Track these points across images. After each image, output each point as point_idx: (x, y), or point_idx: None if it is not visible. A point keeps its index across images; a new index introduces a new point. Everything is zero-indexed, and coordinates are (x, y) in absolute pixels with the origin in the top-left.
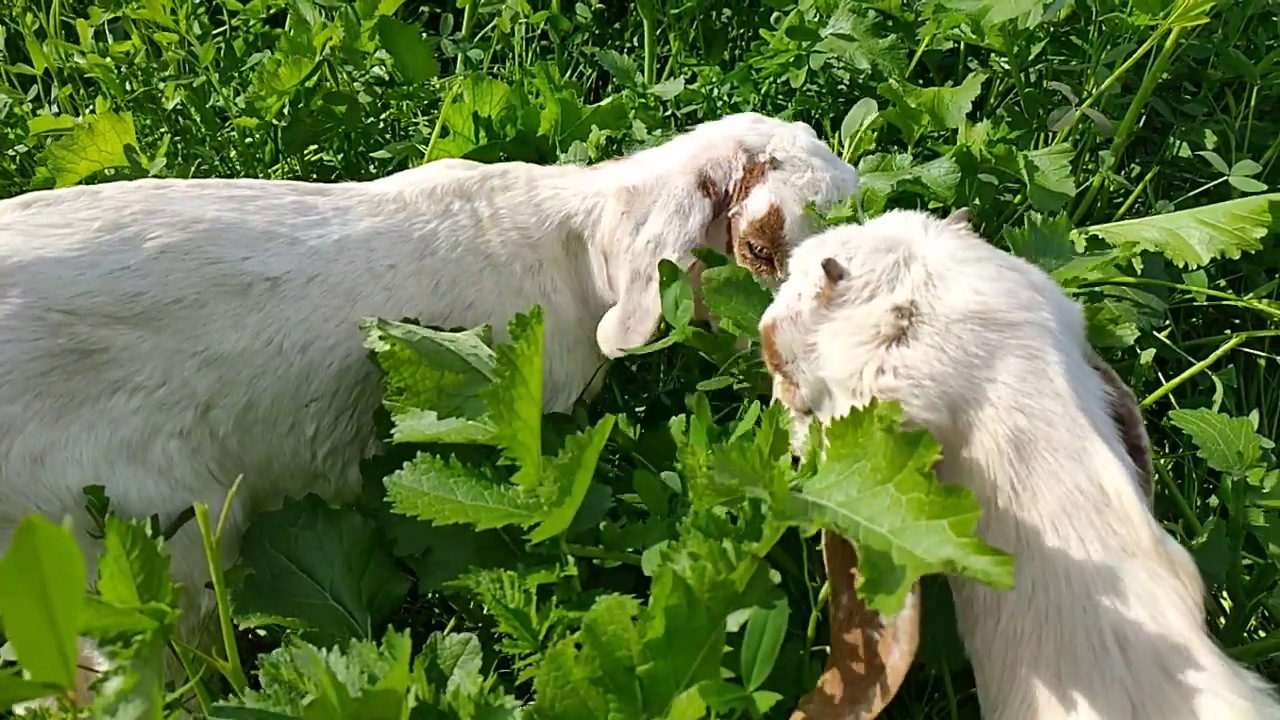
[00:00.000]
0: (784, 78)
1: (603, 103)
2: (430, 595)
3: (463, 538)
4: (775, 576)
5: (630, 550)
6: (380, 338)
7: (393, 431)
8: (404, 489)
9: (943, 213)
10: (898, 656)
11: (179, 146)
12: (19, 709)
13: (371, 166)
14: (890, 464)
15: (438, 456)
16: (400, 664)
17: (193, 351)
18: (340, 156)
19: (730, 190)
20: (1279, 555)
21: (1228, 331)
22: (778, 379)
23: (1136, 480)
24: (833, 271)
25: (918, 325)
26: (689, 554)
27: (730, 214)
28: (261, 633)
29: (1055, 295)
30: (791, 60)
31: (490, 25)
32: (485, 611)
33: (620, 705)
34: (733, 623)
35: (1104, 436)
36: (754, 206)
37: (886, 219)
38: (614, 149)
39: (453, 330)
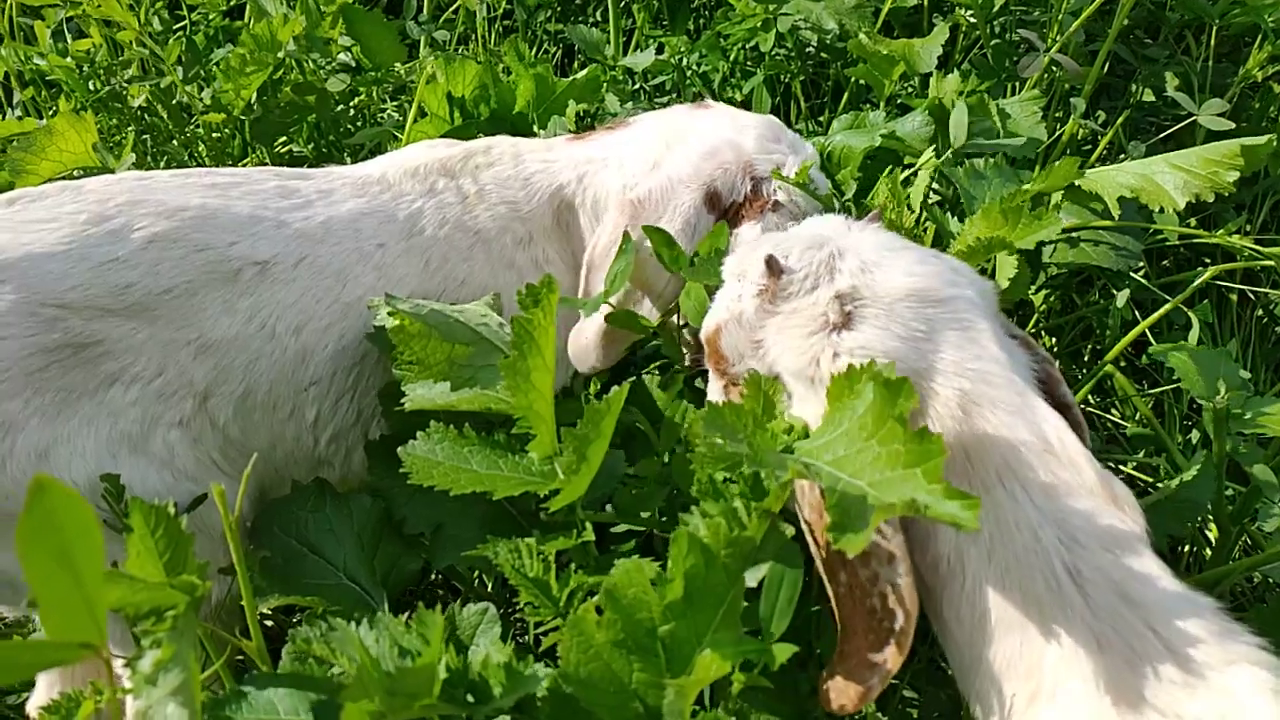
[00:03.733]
0: (752, 43)
1: (577, 76)
2: (434, 576)
3: (471, 513)
4: (789, 531)
5: (642, 515)
6: (389, 313)
7: (404, 400)
8: (419, 459)
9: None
10: (903, 620)
11: (147, 144)
12: (51, 694)
13: (345, 155)
14: (876, 419)
15: (451, 427)
16: (435, 643)
17: (187, 340)
18: (311, 146)
19: (729, 208)
20: (1261, 479)
21: (1200, 269)
22: (719, 384)
23: (1067, 425)
24: (774, 267)
25: (862, 309)
26: (702, 513)
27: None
28: (269, 624)
29: (971, 275)
30: (759, 25)
31: (453, 7)
32: (490, 589)
33: (644, 666)
34: (751, 579)
35: (1037, 393)
36: (746, 238)
37: (808, 224)
38: (587, 122)
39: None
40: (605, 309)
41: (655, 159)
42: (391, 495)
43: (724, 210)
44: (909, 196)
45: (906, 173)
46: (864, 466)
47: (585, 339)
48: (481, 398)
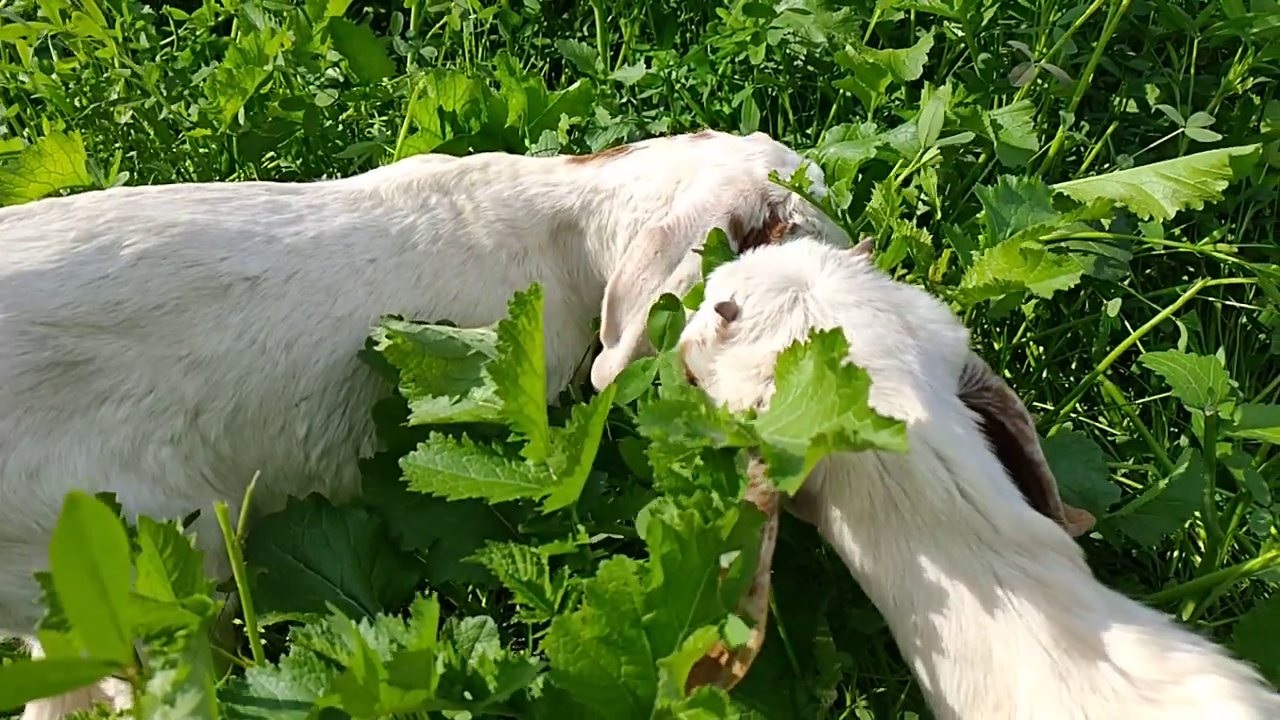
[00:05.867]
0: (741, 56)
1: (570, 89)
2: (428, 592)
3: (468, 527)
4: (762, 516)
5: (622, 522)
6: (386, 335)
7: (407, 417)
8: (419, 469)
9: (906, 179)
10: (751, 642)
11: (134, 162)
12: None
13: (334, 170)
14: (816, 382)
15: (449, 436)
16: (429, 627)
17: (177, 357)
18: (299, 162)
19: (749, 234)
20: (1251, 485)
21: (1184, 279)
22: None
23: (995, 478)
24: (726, 313)
25: None
26: (676, 503)
27: None
28: (262, 642)
29: (935, 327)
30: (749, 38)
31: (439, 24)
32: (484, 605)
33: (631, 659)
34: (726, 561)
35: (964, 448)
36: None
37: (794, 248)
38: (576, 136)
39: (438, 323)
40: (632, 342)
41: (666, 193)
42: (388, 511)
43: (745, 236)
44: (902, 200)
45: (905, 188)
46: (804, 426)
47: (609, 370)
48: (476, 409)
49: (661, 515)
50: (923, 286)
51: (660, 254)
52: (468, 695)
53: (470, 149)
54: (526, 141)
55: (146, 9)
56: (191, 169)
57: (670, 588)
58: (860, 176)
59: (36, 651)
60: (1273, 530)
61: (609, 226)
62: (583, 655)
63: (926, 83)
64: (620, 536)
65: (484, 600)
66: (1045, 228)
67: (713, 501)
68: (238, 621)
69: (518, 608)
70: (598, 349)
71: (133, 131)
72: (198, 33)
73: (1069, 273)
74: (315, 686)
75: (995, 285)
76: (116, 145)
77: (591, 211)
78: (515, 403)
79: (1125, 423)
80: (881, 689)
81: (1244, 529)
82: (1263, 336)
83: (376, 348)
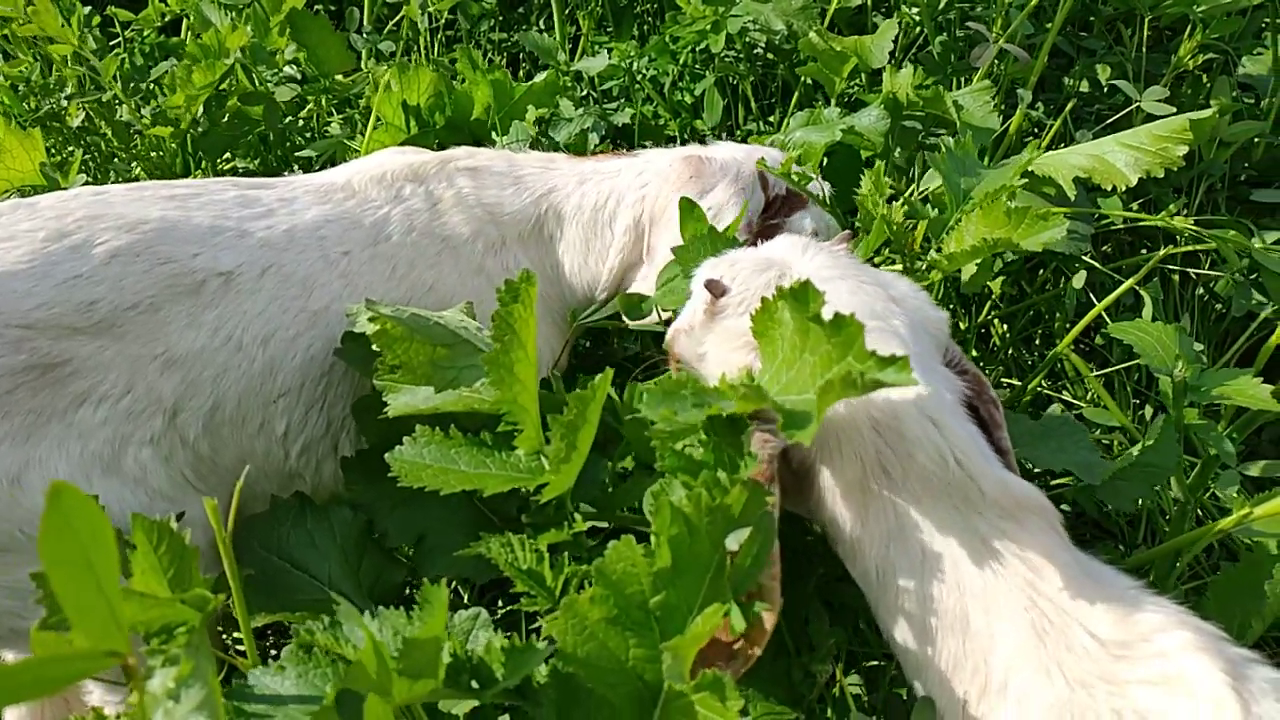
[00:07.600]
0: (701, 45)
1: (535, 80)
2: (408, 592)
3: (454, 521)
4: (771, 497)
5: (622, 511)
6: (370, 318)
7: (387, 409)
8: (407, 463)
9: (868, 162)
10: (766, 620)
11: (88, 165)
12: None
13: (295, 169)
14: (800, 334)
15: (437, 429)
16: (438, 614)
17: (154, 355)
18: (257, 162)
19: (772, 199)
20: (1217, 447)
21: (1143, 252)
22: None
23: (979, 442)
24: (714, 289)
25: None
26: (682, 484)
27: (770, 222)
28: (242, 646)
29: (917, 304)
30: (709, 27)
31: (396, 19)
32: (466, 601)
33: (639, 641)
34: (734, 543)
35: (949, 412)
36: (800, 225)
37: (775, 242)
38: (541, 128)
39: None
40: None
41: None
42: (373, 508)
43: (770, 202)
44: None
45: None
46: (805, 381)
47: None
48: (466, 398)
49: (667, 497)
50: (900, 262)
51: (695, 178)
52: (474, 684)
53: (436, 142)
54: (495, 134)
55: (89, 9)
56: (147, 171)
57: (679, 569)
58: (825, 161)
59: None
60: (1234, 493)
61: (608, 206)
62: (591, 638)
63: (887, 66)
64: (609, 524)
65: (466, 597)
66: (1008, 188)
67: (720, 480)
68: (219, 628)
69: (521, 597)
70: (574, 347)
71: (86, 135)
72: (145, 34)
73: (1055, 226)
74: (321, 682)
75: (984, 245)
76: (70, 148)
77: (587, 191)
78: (509, 392)
79: (1089, 395)
80: (872, 663)
81: (1208, 494)
82: (1219, 306)
83: (357, 327)
